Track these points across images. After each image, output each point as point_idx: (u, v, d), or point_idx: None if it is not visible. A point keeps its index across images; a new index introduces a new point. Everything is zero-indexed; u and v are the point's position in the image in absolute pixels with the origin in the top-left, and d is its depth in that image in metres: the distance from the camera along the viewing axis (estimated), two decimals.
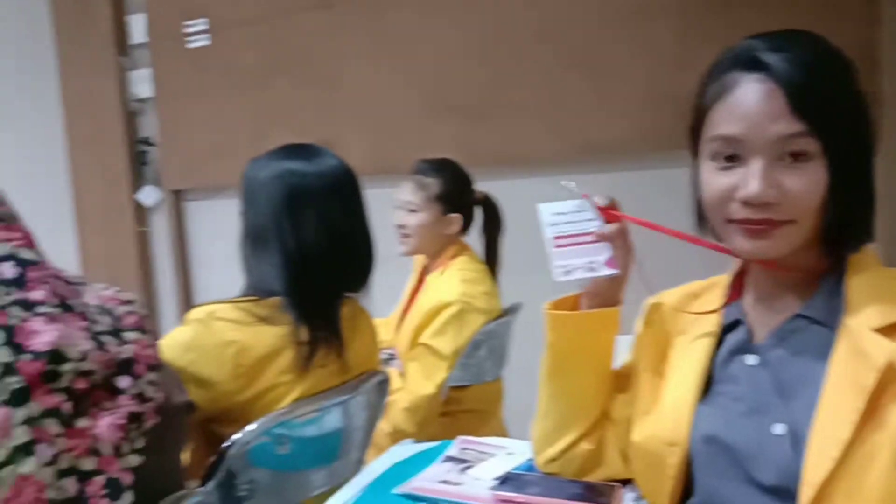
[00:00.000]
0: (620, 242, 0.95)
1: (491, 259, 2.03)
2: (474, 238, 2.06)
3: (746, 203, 0.79)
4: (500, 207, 2.05)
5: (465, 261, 1.95)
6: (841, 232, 0.82)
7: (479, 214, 2.04)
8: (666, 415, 0.90)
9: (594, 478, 1.04)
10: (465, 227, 2.00)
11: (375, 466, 1.27)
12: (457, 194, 1.96)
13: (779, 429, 0.80)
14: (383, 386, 1.46)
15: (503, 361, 2.02)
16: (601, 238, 0.94)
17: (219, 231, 3.32)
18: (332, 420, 1.33)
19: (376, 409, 1.45)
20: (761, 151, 0.78)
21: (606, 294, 0.97)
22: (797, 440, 0.77)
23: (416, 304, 1.94)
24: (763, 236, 0.80)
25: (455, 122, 2.75)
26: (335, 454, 1.37)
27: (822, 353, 0.79)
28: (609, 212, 0.95)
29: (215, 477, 1.15)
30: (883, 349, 0.75)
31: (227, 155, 3.15)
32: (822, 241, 0.83)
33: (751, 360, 0.86)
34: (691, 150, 0.88)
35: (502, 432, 1.96)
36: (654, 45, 2.45)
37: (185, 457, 1.26)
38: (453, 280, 1.87)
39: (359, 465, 1.42)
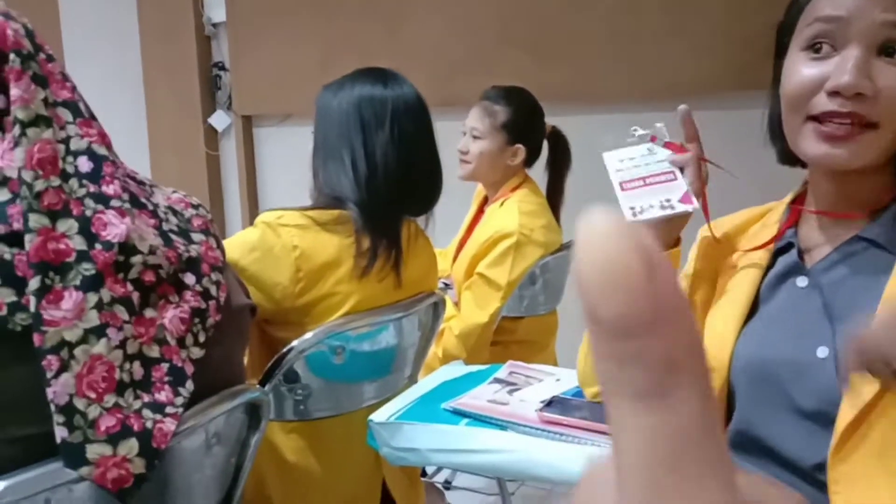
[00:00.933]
0: (694, 172, 0.91)
1: (554, 195, 1.99)
2: (539, 171, 2.03)
3: (835, 94, 0.74)
4: (568, 142, 2.01)
5: (525, 193, 1.92)
6: None
7: (546, 148, 2.00)
8: (710, 339, 0.87)
9: None
10: (531, 159, 1.96)
11: (426, 383, 1.31)
12: (524, 125, 1.92)
13: (822, 352, 0.77)
14: (437, 308, 1.48)
15: (559, 296, 2.02)
16: (676, 164, 0.92)
17: (287, 157, 3.38)
18: (386, 336, 1.36)
19: (429, 329, 1.48)
20: (860, 38, 0.73)
21: (667, 232, 0.93)
22: (841, 364, 0.74)
23: (475, 234, 1.94)
24: (842, 141, 0.75)
25: (523, 56, 2.69)
26: (388, 369, 1.41)
27: (880, 278, 0.75)
28: (680, 147, 0.92)
29: (273, 379, 1.20)
30: None
31: (296, 82, 3.18)
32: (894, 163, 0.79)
33: (801, 281, 0.83)
34: (777, 48, 0.83)
35: (553, 363, 1.97)
36: None
37: (245, 356, 1.33)
38: (513, 211, 1.85)
39: (410, 381, 1.46)
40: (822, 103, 0.75)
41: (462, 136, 1.96)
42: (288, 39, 3.26)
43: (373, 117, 1.31)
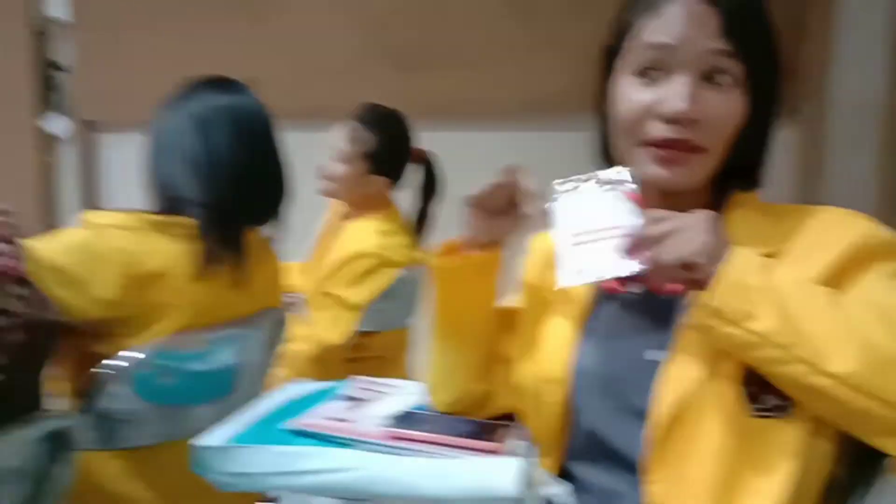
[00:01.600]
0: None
1: (421, 220, 1.96)
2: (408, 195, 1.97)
3: (669, 120, 0.77)
4: (436, 169, 1.96)
5: (385, 213, 1.88)
6: (738, 170, 0.82)
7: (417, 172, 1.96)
8: (546, 353, 0.89)
9: (491, 414, 1.03)
10: (393, 185, 1.92)
11: (266, 403, 1.22)
12: (389, 157, 1.86)
13: (651, 354, 0.80)
14: (282, 324, 1.40)
15: (413, 310, 1.98)
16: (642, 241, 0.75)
17: (133, 166, 3.15)
18: (223, 355, 1.27)
19: (273, 347, 1.40)
20: (689, 66, 0.76)
21: (490, 233, 0.91)
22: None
23: (330, 251, 1.87)
24: (678, 164, 0.78)
25: (391, 68, 2.66)
26: (227, 390, 1.31)
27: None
28: (641, 199, 0.79)
29: (87, 405, 1.07)
30: None
31: (151, 86, 2.97)
32: (715, 181, 0.83)
33: (635, 287, 0.86)
34: (604, 69, 0.85)
35: (408, 377, 1.93)
36: None
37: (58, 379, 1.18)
38: (369, 230, 1.80)
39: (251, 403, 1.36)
40: (658, 129, 0.78)
41: (325, 151, 1.89)
42: (143, 42, 3.05)
43: (214, 122, 1.27)
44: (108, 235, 1.15)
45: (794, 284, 0.68)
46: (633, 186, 0.78)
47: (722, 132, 0.78)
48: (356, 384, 1.25)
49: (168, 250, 1.18)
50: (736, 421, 0.72)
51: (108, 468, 1.17)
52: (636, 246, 0.74)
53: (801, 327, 0.65)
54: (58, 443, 0.90)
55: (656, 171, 0.79)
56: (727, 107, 0.77)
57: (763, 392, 0.72)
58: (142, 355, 1.12)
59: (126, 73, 3.08)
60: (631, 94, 0.80)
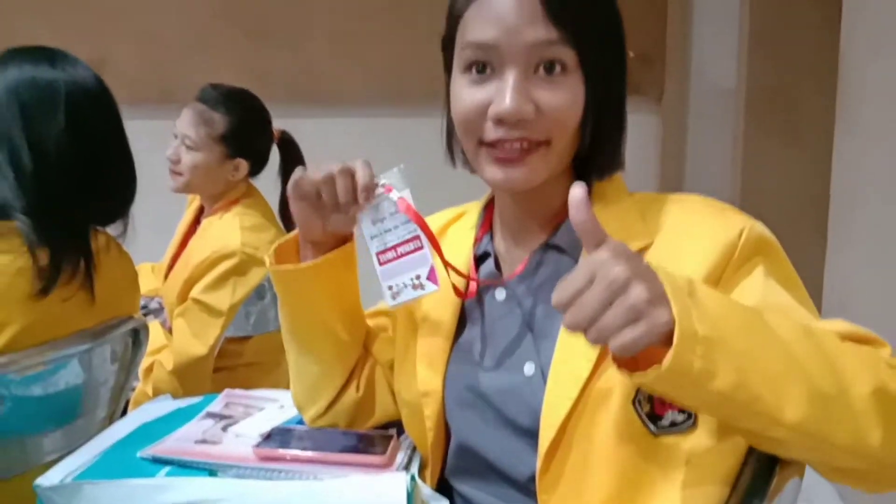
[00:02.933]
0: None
1: (286, 210, 1.82)
2: (268, 180, 1.84)
3: (500, 121, 0.72)
4: (299, 149, 1.84)
5: (248, 205, 1.73)
6: (593, 157, 0.78)
7: (276, 153, 1.82)
8: (420, 364, 0.84)
9: (372, 424, 0.96)
10: (256, 171, 1.78)
11: (120, 427, 1.08)
12: (246, 136, 1.71)
13: (529, 368, 0.76)
14: (138, 335, 1.26)
15: None
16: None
17: None
18: (66, 374, 1.12)
19: (129, 361, 1.26)
20: (515, 61, 0.72)
21: (331, 225, 0.83)
22: (546, 379, 0.74)
23: (189, 250, 1.72)
24: (516, 164, 0.74)
25: (244, 46, 2.51)
26: (74, 413, 1.16)
27: None
28: (409, 207, 0.79)
29: None
30: None
31: None
32: (571, 168, 0.80)
33: (500, 294, 0.82)
34: (445, 64, 0.80)
35: (286, 385, 1.82)
36: None
37: None
38: (233, 227, 1.65)
39: (106, 424, 1.23)
40: (491, 130, 0.74)
41: (172, 140, 1.72)
42: None
43: (37, 103, 1.09)
44: None
45: (729, 318, 0.60)
46: (398, 195, 0.78)
47: (561, 123, 0.74)
48: (226, 399, 1.14)
49: None
50: (632, 440, 0.69)
51: None
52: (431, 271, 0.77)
53: (757, 378, 0.59)
54: None
55: (493, 174, 0.76)
56: (562, 97, 0.73)
57: (660, 409, 0.69)
58: None
59: None
60: (463, 93, 0.75)
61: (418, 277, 0.79)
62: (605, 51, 0.75)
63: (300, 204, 0.80)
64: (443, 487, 0.86)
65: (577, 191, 0.63)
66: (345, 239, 0.85)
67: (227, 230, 1.65)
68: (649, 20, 2.32)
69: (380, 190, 0.79)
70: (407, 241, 0.80)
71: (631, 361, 0.61)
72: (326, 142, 2.37)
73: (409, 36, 2.44)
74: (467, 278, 0.84)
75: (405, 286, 0.80)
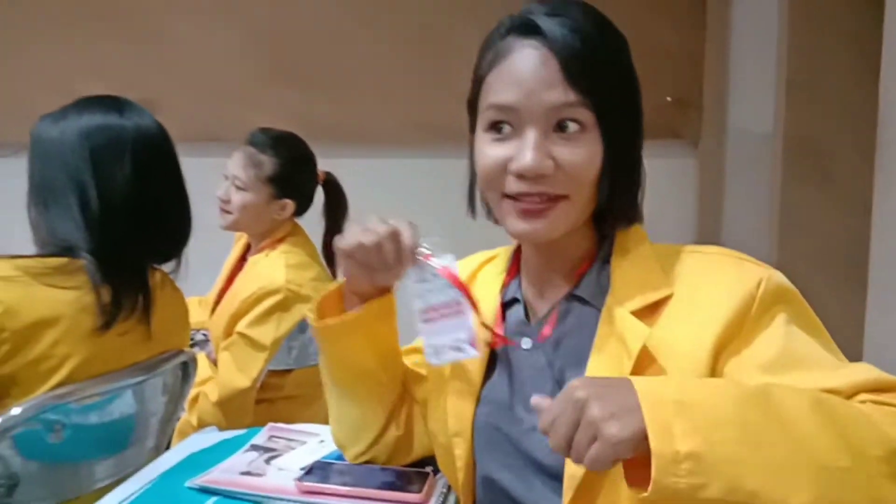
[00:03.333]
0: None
1: (329, 248, 1.87)
2: (312, 219, 1.91)
3: (521, 176, 0.76)
4: (343, 190, 1.90)
5: (293, 243, 1.79)
6: (612, 210, 0.81)
7: (319, 195, 1.89)
8: (451, 405, 0.87)
9: (411, 460, 1.00)
10: (301, 211, 1.84)
11: (170, 456, 1.13)
12: (293, 178, 1.78)
13: None
14: (187, 368, 1.32)
15: None
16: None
17: (18, 192, 2.94)
18: (120, 405, 1.17)
19: (178, 393, 1.31)
20: (536, 121, 0.75)
21: (377, 280, 0.87)
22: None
23: (235, 286, 1.78)
24: (538, 217, 0.77)
25: (291, 92, 2.61)
26: (125, 442, 1.21)
27: (591, 335, 0.78)
28: (451, 274, 0.82)
29: None
30: (638, 333, 0.74)
31: (36, 108, 2.79)
32: (592, 220, 0.83)
33: (526, 343, 0.84)
34: (470, 124, 0.84)
35: (327, 418, 1.85)
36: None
37: None
38: (278, 265, 1.71)
39: (156, 453, 1.27)
40: (512, 184, 0.77)
41: (223, 180, 1.80)
42: (26, 60, 2.87)
43: (106, 150, 1.15)
44: None
45: (724, 420, 0.61)
46: (440, 263, 0.82)
47: (579, 179, 0.76)
48: (269, 432, 1.19)
49: (52, 298, 1.08)
50: None
51: None
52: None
53: (751, 478, 0.59)
54: None
55: (517, 226, 0.78)
56: (581, 154, 0.75)
57: None
58: (22, 412, 1.01)
59: (12, 91, 2.89)
60: (486, 150, 0.78)
61: (459, 341, 0.82)
62: (622, 109, 0.78)
63: (348, 261, 0.84)
64: None
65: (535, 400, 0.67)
66: (387, 288, 0.89)
67: (273, 268, 1.71)
68: (686, 65, 2.36)
69: (423, 250, 0.83)
70: (449, 304, 0.83)
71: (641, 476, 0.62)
72: (366, 181, 2.45)
73: (442, 83, 2.51)
74: (495, 336, 0.85)
75: (446, 347, 0.82)
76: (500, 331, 0.85)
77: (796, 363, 0.70)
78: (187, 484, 1.01)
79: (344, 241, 0.83)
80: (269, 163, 1.76)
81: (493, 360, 0.87)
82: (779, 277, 0.75)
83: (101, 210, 1.13)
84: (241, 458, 1.09)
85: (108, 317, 1.11)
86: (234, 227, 1.80)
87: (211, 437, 1.20)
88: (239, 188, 1.75)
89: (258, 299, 1.65)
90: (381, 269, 0.83)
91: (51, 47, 2.85)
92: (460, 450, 0.85)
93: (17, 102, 2.88)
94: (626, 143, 0.79)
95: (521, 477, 0.80)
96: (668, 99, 2.38)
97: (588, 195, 0.78)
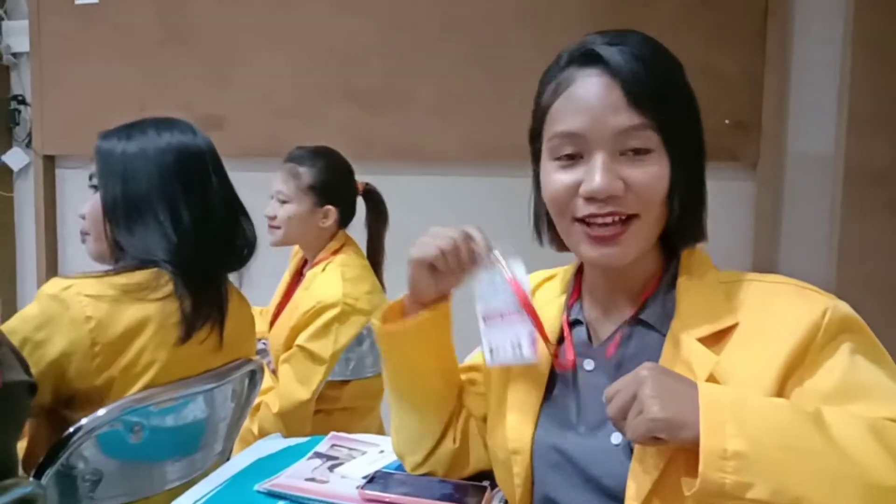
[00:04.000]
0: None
1: (374, 254, 1.94)
2: (358, 231, 1.97)
3: (591, 199, 0.78)
4: (382, 198, 1.96)
5: (347, 257, 1.85)
6: (680, 229, 0.82)
7: (363, 207, 1.95)
8: (510, 423, 0.88)
9: (468, 474, 1.02)
10: (345, 219, 1.90)
11: (238, 461, 1.19)
12: (332, 185, 1.85)
13: (616, 438, 0.80)
14: (255, 376, 1.38)
15: None
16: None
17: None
18: (193, 409, 1.24)
19: (245, 400, 1.37)
20: (603, 146, 0.77)
21: (437, 288, 0.90)
22: (632, 450, 0.77)
23: (294, 300, 1.84)
24: (611, 242, 0.79)
25: (352, 111, 2.68)
26: (195, 446, 1.28)
27: (655, 360, 0.79)
28: (518, 287, 0.86)
29: (51, 466, 1.04)
30: (705, 361, 0.76)
31: (111, 121, 2.94)
32: (659, 242, 0.84)
33: (588, 365, 0.86)
34: (533, 155, 0.87)
35: (380, 429, 1.91)
36: (557, 48, 2.48)
37: (23, 444, 1.15)
38: (335, 279, 1.77)
39: (222, 457, 1.34)
40: (583, 207, 0.78)
41: (270, 200, 1.87)
42: (101, 75, 3.02)
43: (193, 167, 1.23)
44: (70, 305, 1.10)
45: (775, 428, 0.65)
46: (509, 274, 0.85)
47: (650, 199, 0.78)
48: (332, 441, 1.24)
49: (137, 309, 1.14)
50: None
51: None
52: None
53: (797, 482, 0.63)
54: None
55: (589, 252, 0.80)
56: (649, 175, 0.77)
57: None
58: (106, 413, 1.08)
59: (85, 106, 3.04)
60: (555, 176, 0.80)
61: (519, 346, 0.85)
62: (685, 129, 0.80)
63: (421, 270, 0.88)
64: None
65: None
66: (444, 296, 0.92)
67: (330, 282, 1.77)
68: (746, 88, 2.34)
69: (496, 252, 0.87)
70: (510, 309, 0.86)
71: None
72: (424, 198, 2.50)
73: (496, 100, 2.55)
74: (556, 358, 0.88)
75: (505, 349, 0.86)
76: (570, 353, 0.87)
77: (858, 392, 0.71)
78: (256, 488, 1.07)
79: (422, 251, 0.87)
80: (306, 173, 1.83)
81: (554, 379, 0.88)
82: (844, 307, 0.76)
83: (191, 226, 1.20)
84: (306, 465, 1.14)
85: (189, 327, 1.18)
86: (283, 240, 1.86)
87: (276, 443, 1.26)
88: (283, 202, 1.83)
89: (317, 313, 1.71)
90: (451, 272, 0.86)
91: (121, 64, 2.98)
92: (519, 468, 0.86)
93: (87, 117, 3.02)
94: (692, 161, 0.81)
95: (581, 497, 0.81)
96: (727, 122, 2.36)
97: (658, 214, 0.80)
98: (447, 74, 2.60)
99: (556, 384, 0.88)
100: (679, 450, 0.70)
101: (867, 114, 2.19)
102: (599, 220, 0.78)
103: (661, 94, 0.77)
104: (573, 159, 0.79)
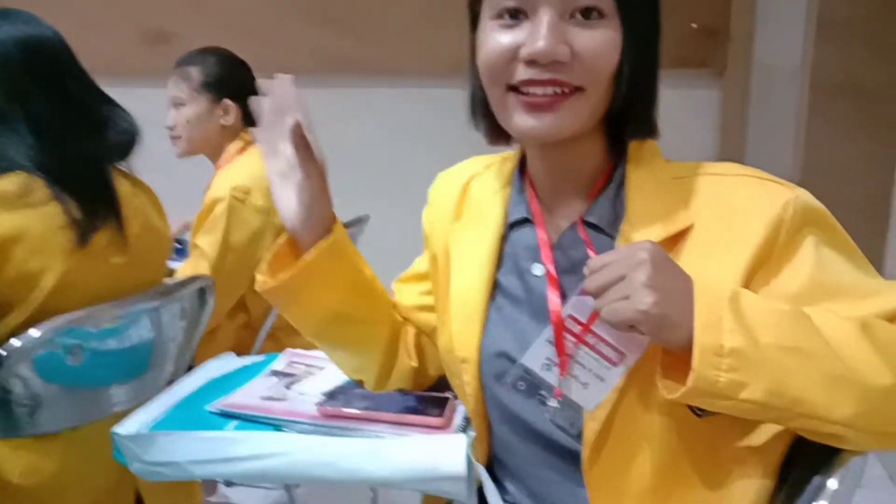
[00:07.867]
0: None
1: None
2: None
3: (532, 62, 0.68)
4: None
5: (251, 153, 1.72)
6: (627, 114, 0.73)
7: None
8: (456, 328, 0.81)
9: (428, 385, 0.96)
10: (250, 117, 1.69)
11: (189, 381, 1.13)
12: (226, 77, 1.73)
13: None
14: (205, 294, 1.31)
15: None
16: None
17: None
18: (139, 330, 1.17)
19: (196, 318, 1.30)
20: (551, 3, 0.67)
21: (316, 220, 0.79)
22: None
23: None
24: (547, 110, 0.69)
25: (313, 26, 2.52)
26: (143, 368, 1.21)
27: None
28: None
29: None
30: None
31: None
32: (603, 128, 0.75)
33: (537, 270, 0.78)
34: (471, 22, 0.76)
35: None
36: None
37: None
38: (229, 174, 1.67)
39: (173, 379, 1.28)
40: (521, 72, 0.69)
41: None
42: None
43: (44, 64, 1.10)
44: None
45: (774, 327, 0.61)
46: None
47: (597, 69, 0.69)
48: (289, 357, 1.18)
49: (14, 222, 1.05)
50: (677, 420, 0.69)
51: (14, 460, 1.06)
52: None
53: (795, 384, 0.59)
54: None
55: (523, 121, 0.70)
56: (599, 41, 0.68)
57: None
58: (41, 335, 1.01)
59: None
60: (492, 38, 0.70)
61: (549, 359, 0.72)
62: (643, 2, 0.71)
63: (277, 191, 0.80)
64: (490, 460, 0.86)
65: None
66: (330, 225, 0.80)
67: (225, 177, 1.67)
68: None
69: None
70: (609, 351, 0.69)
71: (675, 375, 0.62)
72: (383, 112, 2.39)
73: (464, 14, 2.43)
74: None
75: (541, 362, 0.72)
76: (551, 266, 0.76)
77: (832, 290, 0.67)
78: (208, 408, 1.01)
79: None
80: (197, 71, 1.72)
81: (498, 284, 0.81)
82: (806, 196, 0.70)
83: (51, 124, 1.09)
84: (262, 383, 1.09)
85: (82, 229, 1.08)
86: (188, 149, 1.75)
87: (230, 363, 1.20)
88: (178, 105, 1.72)
89: (208, 209, 1.62)
90: (297, 166, 0.78)
91: None
92: (468, 375, 0.80)
93: None
94: (646, 37, 0.72)
95: (532, 405, 0.77)
96: (694, 26, 2.29)
97: (604, 90, 0.70)
98: None
99: (501, 286, 0.81)
100: (651, 350, 0.65)
101: (836, 24, 2.14)
102: (540, 90, 0.68)
103: None
104: (516, 18, 0.69)
